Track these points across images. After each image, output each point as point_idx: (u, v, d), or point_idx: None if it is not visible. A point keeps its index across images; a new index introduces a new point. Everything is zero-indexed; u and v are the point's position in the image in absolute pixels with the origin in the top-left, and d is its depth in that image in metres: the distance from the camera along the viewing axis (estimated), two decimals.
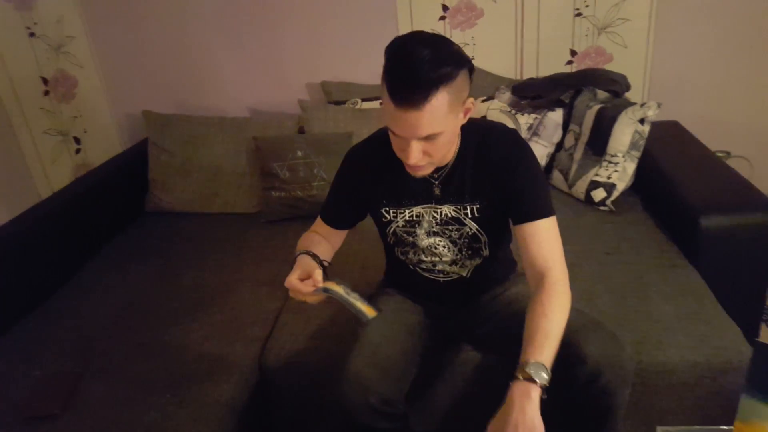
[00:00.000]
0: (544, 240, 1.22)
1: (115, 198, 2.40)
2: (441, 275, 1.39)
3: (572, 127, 2.24)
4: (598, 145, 2.11)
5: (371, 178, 1.33)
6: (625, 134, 2.04)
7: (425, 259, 1.37)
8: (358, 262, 1.89)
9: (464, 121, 1.19)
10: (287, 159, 2.24)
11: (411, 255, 1.39)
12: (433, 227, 1.32)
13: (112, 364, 1.58)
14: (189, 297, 1.84)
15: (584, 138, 2.16)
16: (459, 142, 1.26)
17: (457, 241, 1.33)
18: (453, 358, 1.48)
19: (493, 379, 1.47)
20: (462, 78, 1.10)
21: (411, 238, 1.35)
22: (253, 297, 1.82)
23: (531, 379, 1.03)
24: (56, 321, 1.79)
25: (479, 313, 1.42)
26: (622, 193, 2.10)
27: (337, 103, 2.50)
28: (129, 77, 2.67)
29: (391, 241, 1.40)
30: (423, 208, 1.31)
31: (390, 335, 1.30)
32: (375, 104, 2.44)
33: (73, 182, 2.35)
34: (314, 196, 2.23)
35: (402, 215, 1.33)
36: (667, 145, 2.19)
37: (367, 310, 1.20)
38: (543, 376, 1.04)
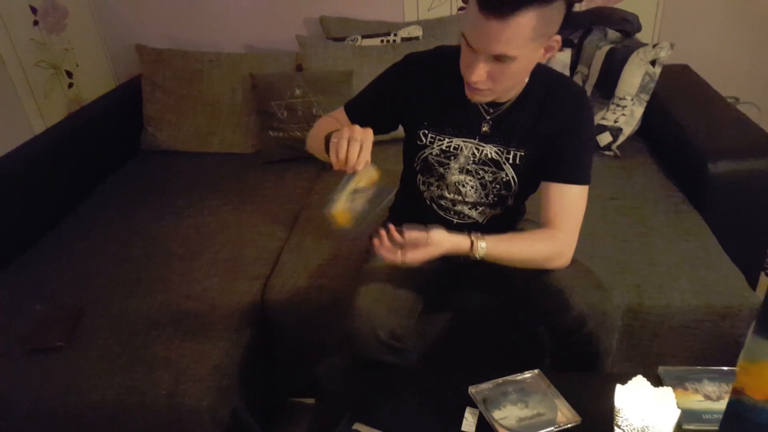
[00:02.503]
0: (567, 205, 1.20)
1: (110, 135, 2.34)
2: (456, 217, 1.35)
3: (580, 68, 2.18)
4: (606, 87, 2.05)
5: (420, 92, 1.26)
6: (635, 76, 1.99)
7: (447, 195, 1.32)
8: None
9: (543, 59, 1.12)
10: (285, 98, 2.17)
11: (434, 188, 1.33)
12: (468, 164, 1.26)
13: (114, 299, 1.57)
14: (189, 235, 1.82)
15: (592, 80, 2.11)
16: (525, 84, 1.20)
17: (488, 185, 1.28)
18: (451, 297, 1.48)
19: (488, 319, 1.50)
20: (558, 8, 1.03)
21: (441, 169, 1.29)
22: (253, 236, 1.80)
23: (472, 242, 1.14)
24: (55, 257, 1.78)
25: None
26: (628, 138, 2.06)
27: (336, 39, 2.41)
28: (121, 9, 2.56)
29: (417, 168, 1.33)
30: (464, 141, 1.25)
31: (396, 271, 1.27)
32: (376, 41, 2.36)
33: (66, 117, 2.29)
34: None
35: (440, 143, 1.27)
36: (676, 89, 2.14)
37: (341, 216, 1.09)
38: (482, 246, 1.14)
